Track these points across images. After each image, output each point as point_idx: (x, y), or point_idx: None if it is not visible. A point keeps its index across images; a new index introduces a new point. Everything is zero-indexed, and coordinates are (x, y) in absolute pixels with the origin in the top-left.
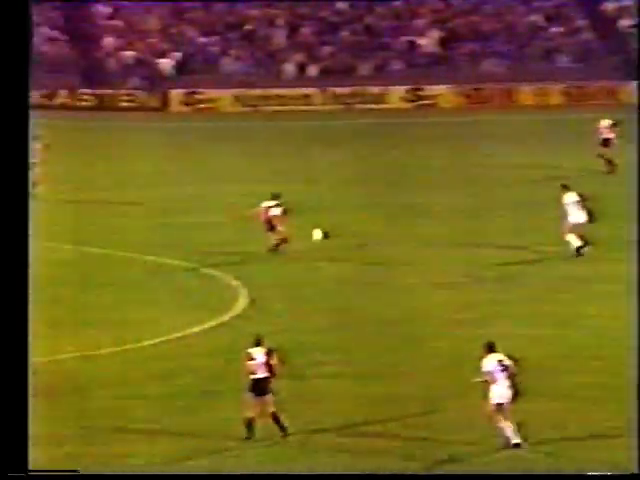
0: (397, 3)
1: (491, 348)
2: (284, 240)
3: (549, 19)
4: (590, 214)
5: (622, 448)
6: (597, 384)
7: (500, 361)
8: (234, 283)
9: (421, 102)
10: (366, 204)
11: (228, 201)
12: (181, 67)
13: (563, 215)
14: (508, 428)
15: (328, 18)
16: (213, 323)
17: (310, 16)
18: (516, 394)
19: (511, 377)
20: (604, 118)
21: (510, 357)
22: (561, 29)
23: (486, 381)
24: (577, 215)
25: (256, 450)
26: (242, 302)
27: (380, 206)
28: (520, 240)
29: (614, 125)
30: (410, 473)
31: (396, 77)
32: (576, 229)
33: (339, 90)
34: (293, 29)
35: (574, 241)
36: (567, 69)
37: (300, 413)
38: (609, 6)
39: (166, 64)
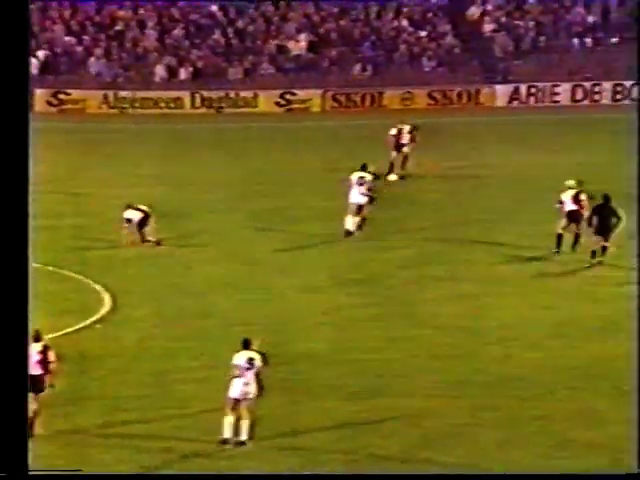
0: (268, 7)
1: (246, 345)
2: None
3: (415, 24)
4: (370, 196)
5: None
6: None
7: (250, 359)
8: (97, 287)
9: (292, 106)
10: (231, 208)
11: (91, 204)
12: (46, 66)
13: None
14: (236, 424)
15: (198, 21)
16: (74, 328)
17: (180, 19)
18: (260, 390)
19: (257, 375)
20: (404, 124)
21: (262, 355)
22: (426, 34)
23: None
24: (356, 196)
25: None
26: (105, 306)
27: (245, 210)
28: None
29: (413, 130)
30: (409, 473)
31: (266, 81)
32: (355, 210)
33: (209, 94)
34: (163, 31)
35: (349, 223)
36: (432, 73)
37: (164, 418)
38: (472, 11)
39: (31, 63)
